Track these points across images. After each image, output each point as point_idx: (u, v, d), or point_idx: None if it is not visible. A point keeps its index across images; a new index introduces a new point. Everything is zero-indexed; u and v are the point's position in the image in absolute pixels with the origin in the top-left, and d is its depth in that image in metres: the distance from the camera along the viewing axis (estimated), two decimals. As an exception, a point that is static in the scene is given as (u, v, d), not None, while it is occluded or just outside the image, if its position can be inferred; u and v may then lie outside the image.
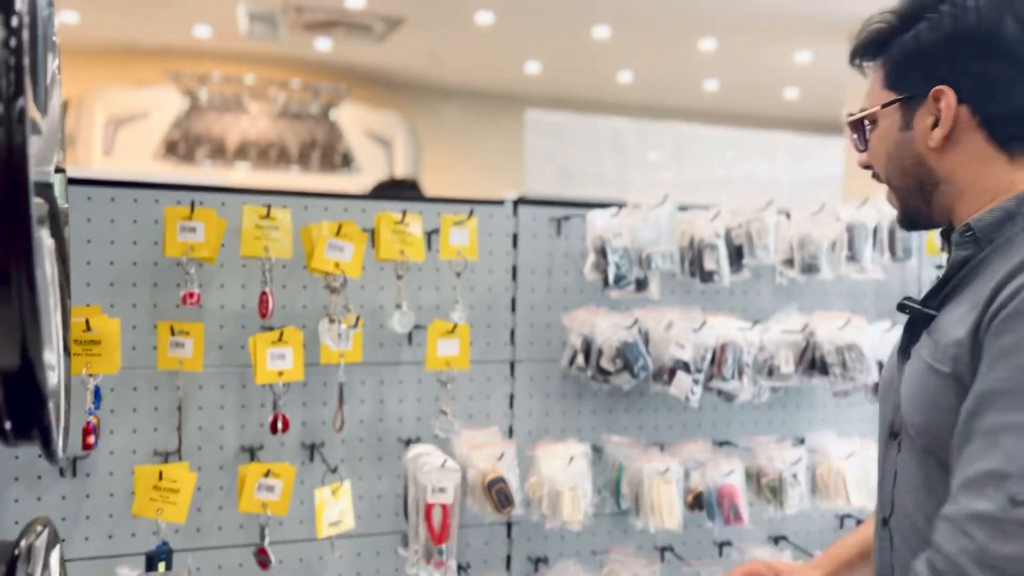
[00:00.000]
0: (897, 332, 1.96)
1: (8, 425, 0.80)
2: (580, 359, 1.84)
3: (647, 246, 1.82)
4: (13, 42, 0.70)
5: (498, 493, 1.66)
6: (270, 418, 1.62)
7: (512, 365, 1.92)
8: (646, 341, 1.83)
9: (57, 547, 1.11)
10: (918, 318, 1.12)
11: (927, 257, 2.21)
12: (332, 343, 1.63)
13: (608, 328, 1.81)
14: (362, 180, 8.46)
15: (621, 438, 1.94)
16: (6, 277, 0.71)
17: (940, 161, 1.11)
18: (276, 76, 8.29)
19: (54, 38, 1.00)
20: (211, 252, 1.58)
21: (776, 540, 2.10)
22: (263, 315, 1.61)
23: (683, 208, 1.92)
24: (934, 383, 1.04)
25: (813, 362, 1.91)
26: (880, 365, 1.92)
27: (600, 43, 7.77)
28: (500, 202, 1.93)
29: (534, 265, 1.94)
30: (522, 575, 1.91)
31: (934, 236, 2.17)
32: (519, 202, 1.94)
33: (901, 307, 1.15)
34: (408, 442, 1.81)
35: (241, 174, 8.03)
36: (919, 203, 1.16)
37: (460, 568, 1.78)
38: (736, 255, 1.93)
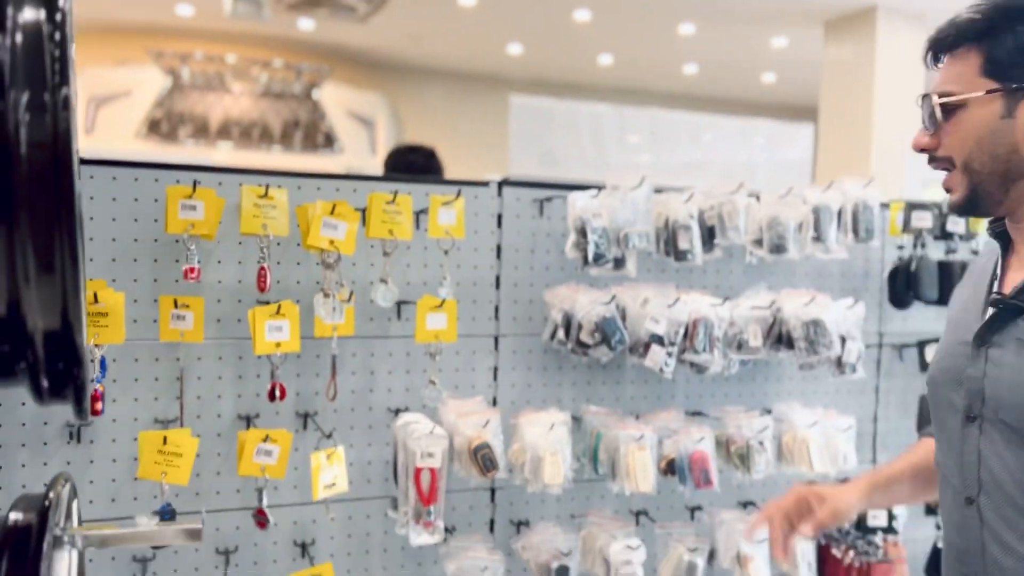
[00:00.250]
0: (860, 309, 2.08)
1: (45, 383, 0.89)
2: (561, 333, 1.93)
3: (625, 226, 1.91)
4: (57, 36, 0.78)
5: (483, 458, 1.76)
6: (268, 387, 1.71)
7: (496, 339, 2.02)
8: (623, 316, 1.92)
9: (76, 500, 1.20)
10: (1004, 311, 1.20)
11: (889, 238, 2.33)
12: (326, 316, 1.71)
13: (587, 304, 1.90)
14: (345, 160, 8.48)
15: (599, 408, 2.03)
16: (51, 249, 0.79)
17: None
18: (259, 56, 8.28)
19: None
20: (210, 229, 1.66)
21: (744, 505, 2.22)
22: (261, 289, 1.69)
23: (659, 191, 2.01)
24: None
25: (780, 337, 2.01)
26: (843, 340, 2.03)
27: (581, 26, 7.84)
28: (485, 184, 2.01)
29: (518, 244, 2.03)
30: (505, 537, 2.01)
31: (896, 219, 2.29)
32: (504, 184, 2.02)
33: (995, 303, 1.23)
34: (397, 411, 1.90)
35: (223, 153, 8.03)
36: (996, 191, 1.22)
37: (447, 530, 1.88)
38: (708, 235, 2.02)
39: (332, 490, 1.73)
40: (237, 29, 7.76)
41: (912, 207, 2.29)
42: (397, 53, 8.80)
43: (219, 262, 1.78)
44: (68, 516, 1.13)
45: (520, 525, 2.02)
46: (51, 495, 1.04)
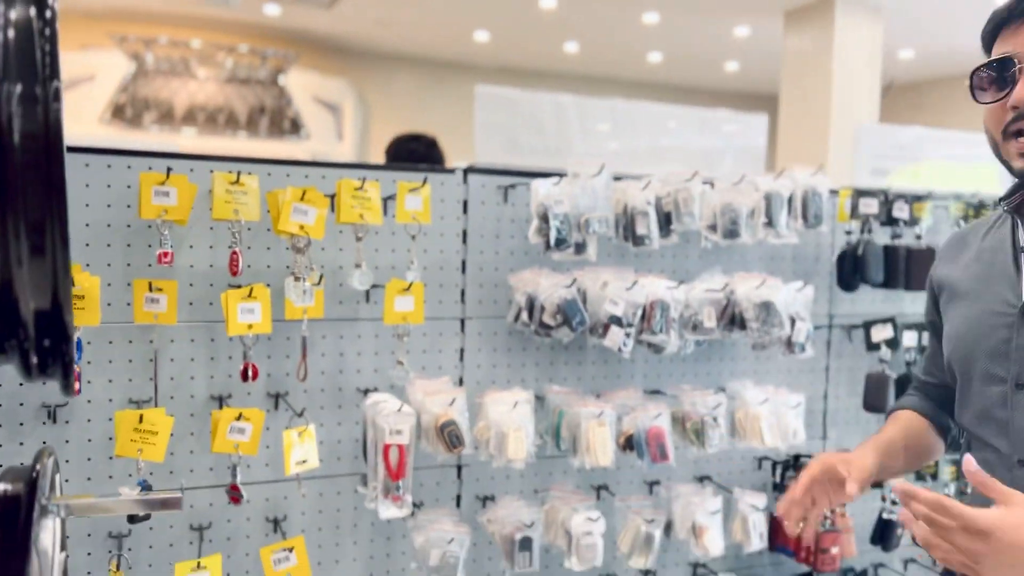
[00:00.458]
0: (809, 291, 2.18)
1: (35, 360, 0.95)
2: (524, 315, 2.01)
3: (585, 212, 1.98)
4: (48, 32, 0.84)
5: (449, 435, 1.83)
6: (240, 367, 1.77)
7: (462, 321, 2.09)
8: (584, 299, 2.00)
9: (59, 473, 1.25)
10: None
11: (838, 224, 2.44)
12: (297, 299, 1.77)
13: (550, 287, 1.98)
14: (311, 146, 8.46)
15: (561, 387, 2.11)
16: (43, 234, 0.85)
17: None
18: (224, 41, 8.22)
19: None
20: (183, 215, 1.71)
21: (700, 479, 2.32)
22: (233, 273, 1.74)
23: (618, 178, 2.09)
24: None
25: (733, 318, 2.11)
26: (792, 320, 2.13)
27: (547, 14, 7.89)
28: (451, 171, 2.08)
29: (483, 229, 2.09)
30: (471, 511, 2.08)
31: (844, 205, 2.39)
32: (469, 171, 2.08)
33: None
34: (366, 391, 1.97)
35: (188, 139, 7.98)
36: None
37: (415, 505, 1.95)
38: (665, 221, 2.10)
39: (304, 467, 1.79)
40: (202, 14, 7.69)
41: (860, 194, 2.39)
42: (364, 39, 8.78)
43: (191, 247, 1.82)
44: (52, 487, 1.19)
45: (486, 499, 2.10)
46: (38, 466, 1.09)
